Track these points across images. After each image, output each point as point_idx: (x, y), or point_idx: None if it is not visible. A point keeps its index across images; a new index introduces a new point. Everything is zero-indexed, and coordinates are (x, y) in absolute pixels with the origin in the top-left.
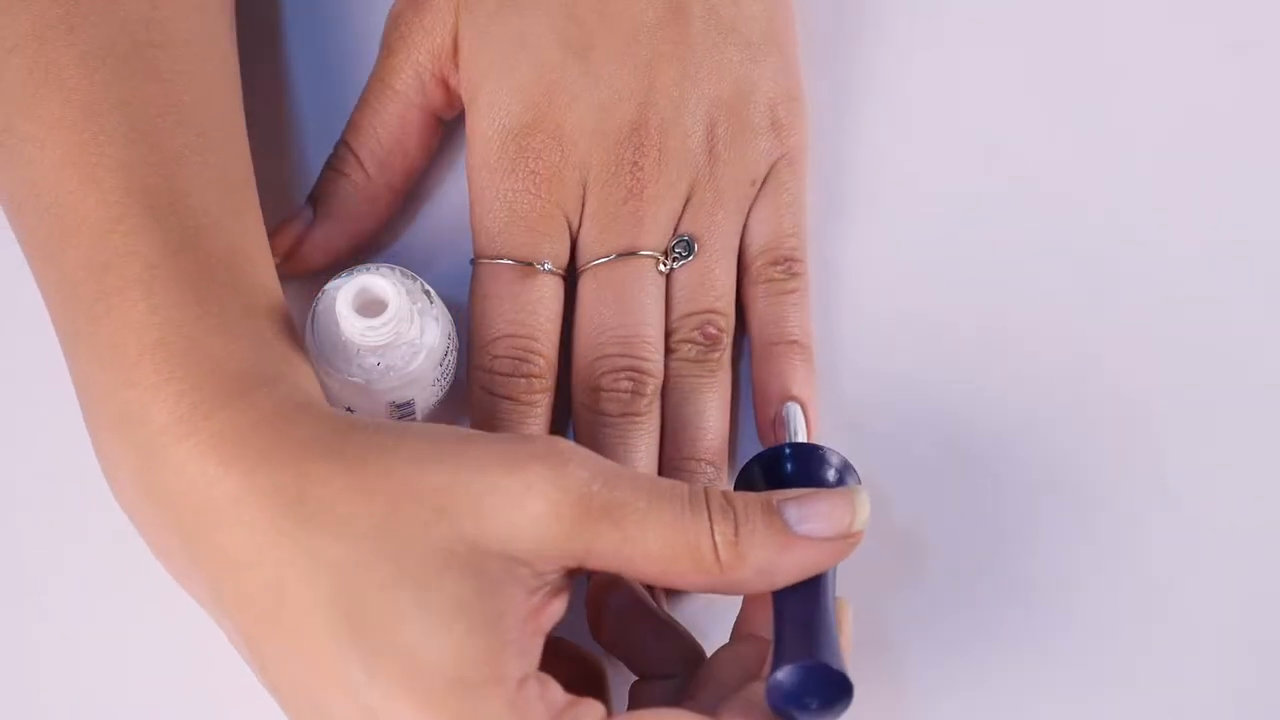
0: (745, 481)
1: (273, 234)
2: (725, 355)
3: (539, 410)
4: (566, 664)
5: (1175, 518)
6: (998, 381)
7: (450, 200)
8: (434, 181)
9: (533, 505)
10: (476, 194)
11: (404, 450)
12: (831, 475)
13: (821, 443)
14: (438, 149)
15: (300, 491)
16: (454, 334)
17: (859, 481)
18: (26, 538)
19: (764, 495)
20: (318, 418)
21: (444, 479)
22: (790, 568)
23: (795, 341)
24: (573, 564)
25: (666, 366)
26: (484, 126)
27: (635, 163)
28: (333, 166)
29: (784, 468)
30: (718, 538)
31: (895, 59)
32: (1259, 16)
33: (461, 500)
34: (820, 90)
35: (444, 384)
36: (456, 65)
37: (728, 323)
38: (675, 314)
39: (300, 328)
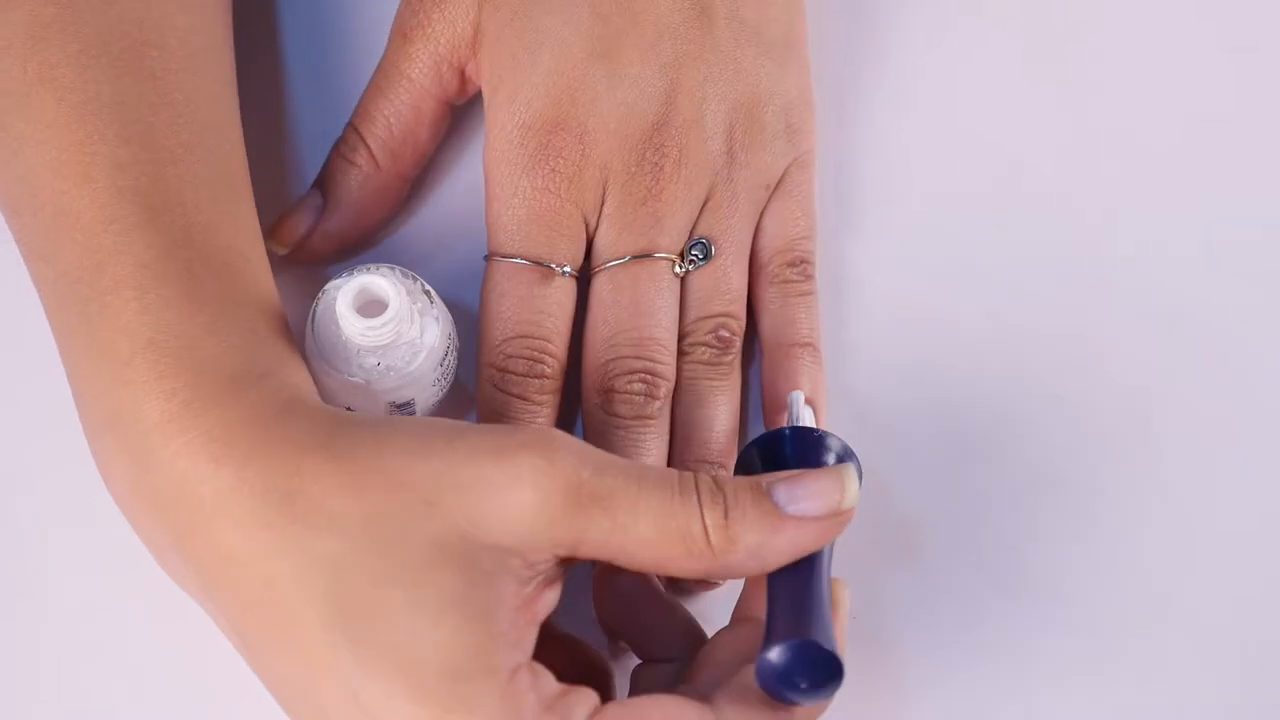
0: (744, 465)
1: (281, 222)
2: (737, 358)
3: (547, 410)
4: (571, 658)
5: (1173, 513)
6: (1002, 381)
7: (450, 199)
8: (435, 180)
9: (523, 494)
10: (494, 189)
11: (394, 444)
12: (830, 459)
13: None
14: (439, 149)
15: (291, 487)
16: (454, 334)
17: (858, 465)
18: (30, 535)
19: (753, 478)
20: (309, 413)
21: (434, 471)
22: (782, 548)
23: (808, 344)
24: (565, 553)
25: (679, 369)
26: (504, 120)
27: (656, 164)
28: (343, 155)
29: (782, 451)
30: (708, 521)
31: (902, 62)
32: (1260, 19)
33: (451, 492)
34: (829, 92)
35: (444, 384)
36: (476, 55)
37: (740, 326)
38: (689, 317)
39: (299, 326)
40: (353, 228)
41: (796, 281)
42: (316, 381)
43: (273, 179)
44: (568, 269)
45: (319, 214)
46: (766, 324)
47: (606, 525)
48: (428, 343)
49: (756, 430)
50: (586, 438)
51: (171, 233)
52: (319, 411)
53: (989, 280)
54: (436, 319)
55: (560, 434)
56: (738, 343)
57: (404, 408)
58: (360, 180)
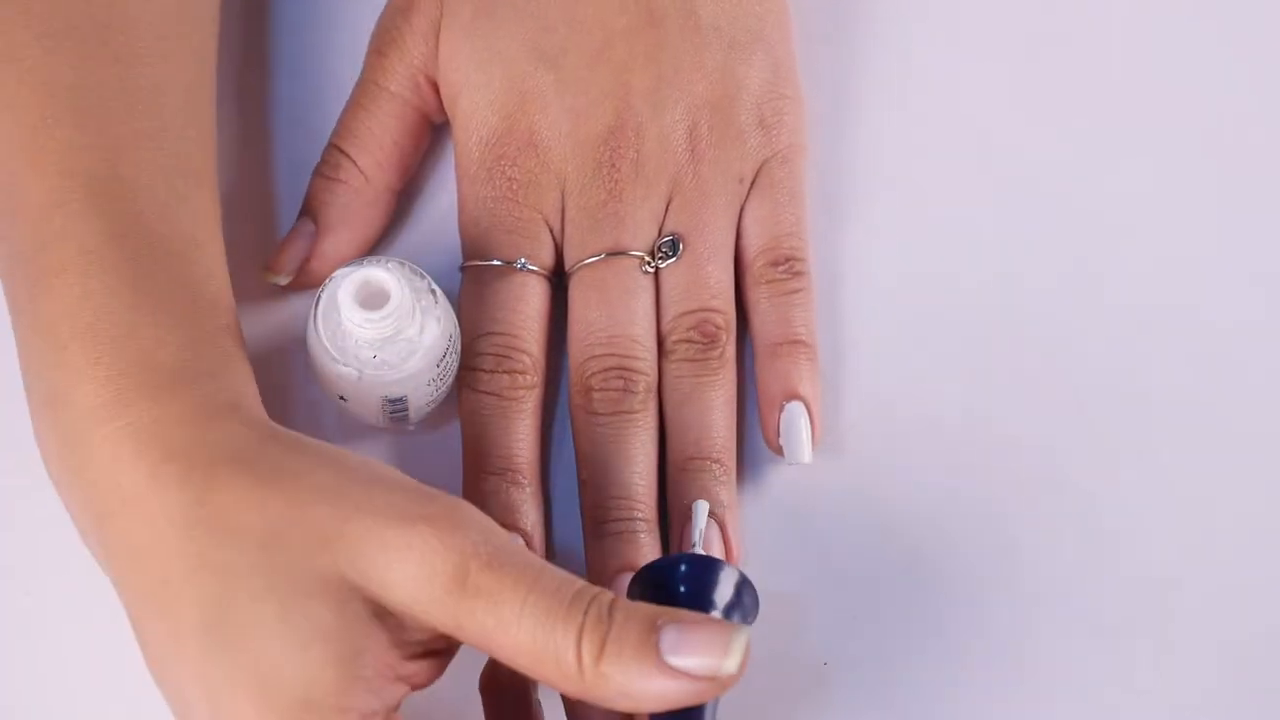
0: (637, 586)
1: (277, 254)
2: (727, 353)
3: (525, 407)
4: None
5: (1173, 513)
6: (1000, 381)
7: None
8: (441, 181)
9: (409, 565)
10: (460, 203)
11: (312, 477)
12: (722, 596)
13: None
14: (443, 148)
15: (201, 493)
16: (456, 335)
17: (755, 603)
18: (25, 530)
19: (650, 611)
20: (240, 422)
21: (338, 514)
22: (653, 697)
23: (799, 340)
24: (445, 631)
25: (664, 369)
26: (463, 137)
27: (612, 164)
28: (326, 175)
29: (674, 579)
30: (584, 649)
31: (895, 59)
32: (1260, 19)
33: (347, 538)
34: (825, 89)
35: (441, 384)
36: (439, 72)
37: (726, 320)
38: (668, 315)
39: (304, 316)
40: (348, 244)
41: (783, 280)
42: (314, 369)
43: (259, 184)
44: (523, 261)
45: (312, 239)
46: (756, 324)
47: (489, 622)
48: (425, 342)
49: (755, 430)
50: (575, 437)
51: (120, 219)
52: (252, 422)
53: (988, 277)
54: (439, 319)
55: (472, 513)
56: (724, 337)
57: (396, 403)
58: (349, 196)
